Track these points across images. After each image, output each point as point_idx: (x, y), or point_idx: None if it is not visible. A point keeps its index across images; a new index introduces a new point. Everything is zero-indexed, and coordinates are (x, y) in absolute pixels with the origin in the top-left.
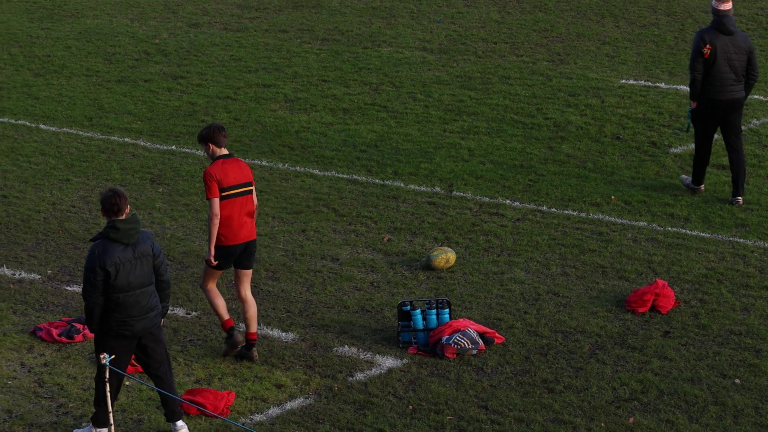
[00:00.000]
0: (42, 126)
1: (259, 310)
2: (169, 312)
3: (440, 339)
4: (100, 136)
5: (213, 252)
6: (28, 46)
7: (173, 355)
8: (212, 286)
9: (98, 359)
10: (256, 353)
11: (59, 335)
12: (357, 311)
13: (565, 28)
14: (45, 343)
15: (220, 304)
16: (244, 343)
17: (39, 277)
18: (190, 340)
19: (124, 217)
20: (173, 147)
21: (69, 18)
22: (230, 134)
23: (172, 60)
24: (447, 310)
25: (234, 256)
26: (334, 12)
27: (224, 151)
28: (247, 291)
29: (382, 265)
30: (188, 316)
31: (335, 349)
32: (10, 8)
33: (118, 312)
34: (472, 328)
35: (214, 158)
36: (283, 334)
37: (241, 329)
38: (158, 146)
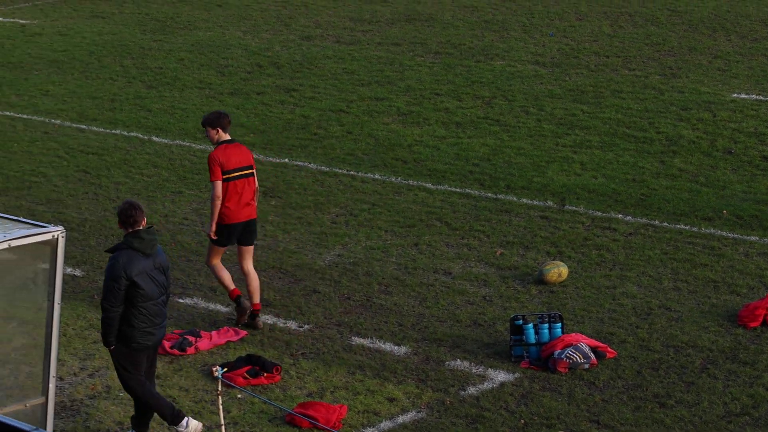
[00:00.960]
0: (155, 138)
1: (371, 324)
2: (281, 325)
3: (552, 353)
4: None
5: (214, 228)
6: (141, 58)
7: (286, 368)
8: (217, 262)
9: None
10: (260, 322)
11: (171, 348)
12: (469, 325)
13: (677, 42)
14: (158, 355)
15: (226, 276)
16: (251, 309)
17: None
18: (302, 353)
19: (142, 228)
20: (286, 160)
21: (181, 30)
22: (343, 147)
23: (285, 73)
24: (559, 325)
25: (236, 233)
26: (446, 25)
27: (227, 137)
28: (249, 265)
29: (494, 279)
30: (300, 329)
31: (447, 363)
32: (122, 20)
33: (144, 322)
34: (584, 343)
35: (218, 143)
36: (396, 347)
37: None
38: (271, 159)
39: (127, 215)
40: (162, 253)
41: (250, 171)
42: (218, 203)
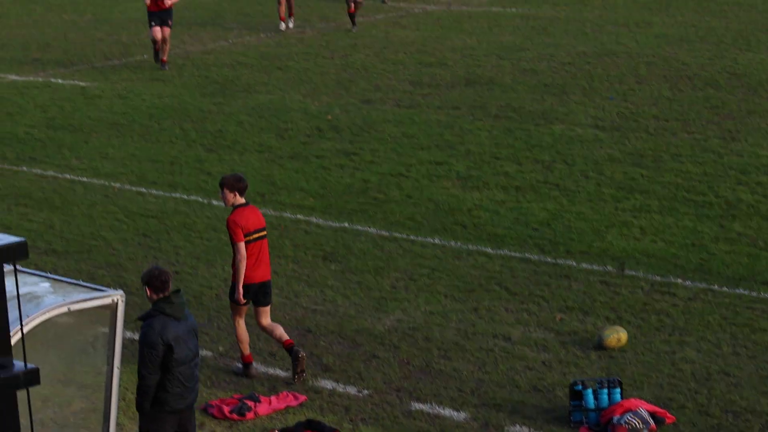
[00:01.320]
0: (214, 202)
1: (430, 389)
2: (340, 390)
3: (611, 419)
4: (273, 213)
5: (241, 291)
6: (201, 122)
7: None
8: (241, 321)
9: None
10: (301, 352)
11: (230, 412)
12: (529, 390)
13: (737, 105)
14: (216, 420)
15: (245, 339)
16: (290, 347)
17: (211, 353)
18: (361, 418)
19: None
20: (345, 224)
21: (241, 93)
22: (403, 212)
23: (345, 136)
24: (618, 390)
25: (252, 293)
26: (506, 89)
27: (243, 200)
28: (267, 321)
29: (554, 344)
30: (359, 394)
31: (507, 428)
32: (182, 83)
33: (178, 386)
34: (643, 408)
35: (235, 206)
36: (455, 413)
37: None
38: (330, 223)
39: (161, 281)
40: (191, 315)
41: (264, 233)
42: (244, 264)
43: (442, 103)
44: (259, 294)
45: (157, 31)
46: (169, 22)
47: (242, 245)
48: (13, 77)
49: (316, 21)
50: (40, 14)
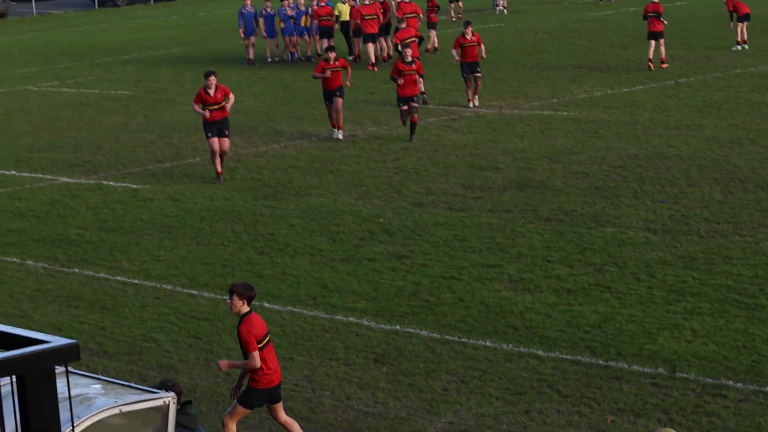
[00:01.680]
0: (266, 304)
1: None
2: None
3: None
4: (324, 315)
5: (237, 363)
6: (252, 224)
7: None
8: (234, 426)
9: None
10: None
11: None
12: None
13: None
14: None
15: None
16: None
17: None
18: None
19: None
20: (397, 327)
21: (293, 196)
22: (454, 314)
23: (396, 239)
24: None
25: (268, 396)
26: (558, 192)
27: (248, 309)
28: (284, 416)
29: None
30: None
31: None
32: (234, 186)
33: None
34: None
35: (241, 314)
36: None
37: None
38: (382, 326)
39: (177, 392)
40: (201, 428)
41: (269, 336)
42: (258, 370)
43: (493, 206)
44: (273, 394)
45: (215, 142)
46: (227, 132)
47: (257, 354)
48: (65, 179)
49: (367, 124)
50: (92, 117)
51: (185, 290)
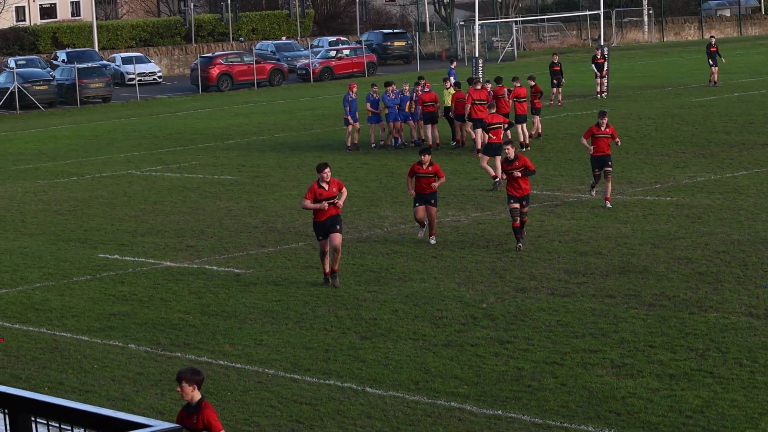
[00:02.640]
0: (368, 389)
1: None
2: None
3: None
4: (427, 400)
5: None
6: (355, 309)
7: None
8: None
9: None
10: None
11: None
12: None
13: None
14: None
15: None
16: None
17: None
18: None
19: None
20: (499, 412)
21: (396, 281)
22: (557, 399)
23: (499, 324)
24: None
25: None
26: (660, 277)
27: (199, 396)
28: None
29: None
30: None
31: None
32: (338, 271)
33: None
34: None
35: (196, 401)
36: None
37: None
38: (485, 411)
39: None
40: None
41: None
42: None
43: (596, 292)
44: None
45: (325, 244)
46: (338, 228)
47: None
48: (168, 263)
49: (471, 210)
50: (196, 201)
51: (288, 374)
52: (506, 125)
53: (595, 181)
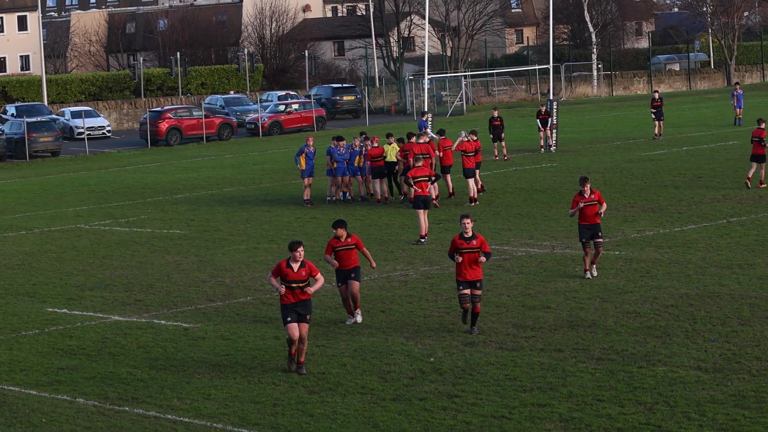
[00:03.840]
0: None
1: None
2: None
3: None
4: None
5: None
6: (305, 364)
7: None
8: None
9: None
10: None
11: None
12: None
13: None
14: None
15: None
16: None
17: None
18: None
19: None
20: None
21: (344, 336)
22: None
23: (447, 378)
24: None
25: None
26: (609, 331)
27: None
28: None
29: None
30: None
31: None
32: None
33: None
34: None
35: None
36: None
37: None
38: None
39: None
40: None
41: None
42: None
43: (545, 346)
44: None
45: (294, 329)
46: (308, 317)
47: None
48: (116, 318)
49: (419, 264)
50: (144, 256)
51: (236, 429)
52: (433, 178)
53: (584, 251)
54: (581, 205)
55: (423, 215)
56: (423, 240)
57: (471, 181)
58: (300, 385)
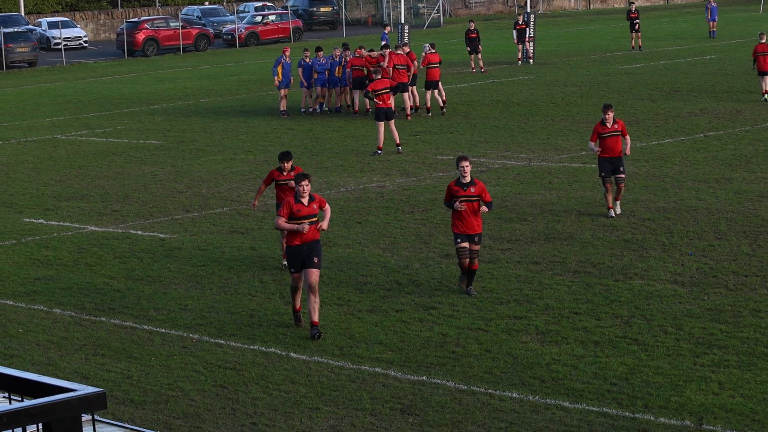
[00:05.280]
0: (293, 354)
1: None
2: None
3: None
4: (351, 366)
5: None
6: (280, 274)
7: None
8: None
9: None
10: None
11: None
12: None
13: None
14: None
15: None
16: None
17: None
18: None
19: None
20: (424, 377)
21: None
22: (481, 365)
23: (424, 290)
24: None
25: None
26: (585, 244)
27: None
28: None
29: None
30: None
31: None
32: (261, 236)
33: None
34: None
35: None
36: None
37: None
38: (409, 377)
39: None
40: None
41: None
42: None
43: (521, 258)
44: None
45: (298, 278)
46: (316, 260)
47: None
48: (93, 228)
49: (396, 175)
50: (121, 166)
51: (212, 339)
52: (393, 89)
53: (605, 187)
54: (595, 150)
55: (383, 127)
56: (380, 152)
57: (431, 93)
58: (277, 296)
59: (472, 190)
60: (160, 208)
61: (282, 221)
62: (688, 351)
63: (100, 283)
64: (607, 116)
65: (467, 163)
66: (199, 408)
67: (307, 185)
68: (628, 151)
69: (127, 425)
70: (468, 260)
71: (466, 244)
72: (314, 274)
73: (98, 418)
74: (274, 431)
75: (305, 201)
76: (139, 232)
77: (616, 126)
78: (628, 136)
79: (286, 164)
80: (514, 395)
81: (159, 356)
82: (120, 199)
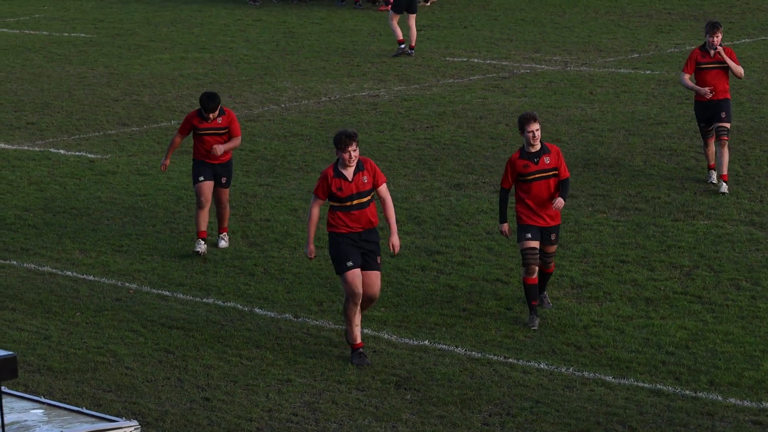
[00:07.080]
0: (257, 310)
1: None
2: None
3: None
4: (333, 326)
5: None
6: (242, 207)
7: None
8: None
9: None
10: None
11: None
12: None
13: None
14: None
15: None
16: None
17: None
18: None
19: None
20: (426, 342)
21: (295, 172)
22: (500, 328)
23: (427, 230)
24: None
25: None
26: (636, 173)
27: None
28: None
29: None
30: None
31: None
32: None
33: None
34: None
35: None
36: None
37: None
38: (407, 340)
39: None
40: None
41: None
42: None
43: None
44: None
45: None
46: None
47: None
48: (2, 145)
49: (393, 82)
50: (39, 66)
51: (154, 290)
52: None
53: (704, 142)
54: (688, 88)
55: (396, 20)
56: (404, 47)
57: None
58: (237, 235)
59: (547, 160)
60: (90, 121)
61: (315, 213)
62: (766, 312)
63: (10, 216)
64: (713, 38)
65: (537, 126)
66: (136, 378)
67: (354, 150)
68: (741, 71)
69: (43, 399)
70: (537, 266)
71: (536, 244)
72: (377, 277)
73: (6, 391)
74: (232, 408)
75: (349, 174)
76: (62, 151)
77: (717, 54)
78: (738, 65)
79: (211, 114)
80: (542, 366)
81: (86, 311)
82: (37, 109)
